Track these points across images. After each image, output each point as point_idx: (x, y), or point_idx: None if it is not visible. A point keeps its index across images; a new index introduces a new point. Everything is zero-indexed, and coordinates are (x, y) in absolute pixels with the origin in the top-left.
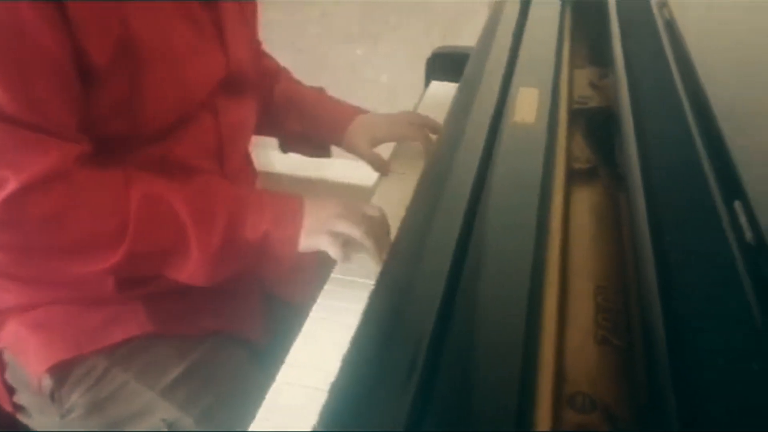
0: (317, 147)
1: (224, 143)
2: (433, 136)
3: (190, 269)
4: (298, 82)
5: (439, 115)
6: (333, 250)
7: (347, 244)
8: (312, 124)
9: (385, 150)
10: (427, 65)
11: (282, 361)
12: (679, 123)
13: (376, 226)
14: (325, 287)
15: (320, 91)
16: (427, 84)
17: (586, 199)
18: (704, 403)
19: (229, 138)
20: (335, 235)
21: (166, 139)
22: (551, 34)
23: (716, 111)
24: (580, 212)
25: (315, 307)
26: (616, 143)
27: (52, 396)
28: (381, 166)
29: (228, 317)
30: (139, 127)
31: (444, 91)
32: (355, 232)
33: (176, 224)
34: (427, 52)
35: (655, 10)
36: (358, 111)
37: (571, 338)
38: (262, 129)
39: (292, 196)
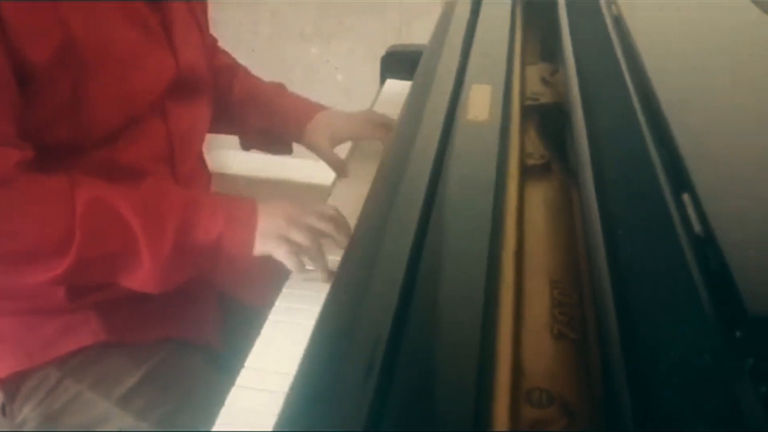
0: (278, 143)
1: (175, 147)
2: None
3: (143, 276)
4: (256, 78)
5: (395, 113)
6: (289, 263)
7: (302, 252)
8: (272, 120)
9: (342, 150)
10: (382, 63)
11: (241, 365)
12: (628, 117)
13: (337, 225)
14: (284, 290)
15: (280, 86)
16: (382, 82)
17: (539, 195)
18: (658, 393)
19: (181, 142)
20: (291, 244)
21: (113, 144)
22: (503, 31)
23: (664, 105)
24: (535, 208)
25: (273, 310)
26: (568, 138)
27: (3, 410)
28: (340, 168)
29: (183, 323)
30: (84, 131)
31: (399, 89)
32: (307, 242)
33: (125, 230)
34: (382, 51)
35: (603, 7)
36: (318, 107)
37: (528, 333)
38: (222, 127)
39: (245, 198)
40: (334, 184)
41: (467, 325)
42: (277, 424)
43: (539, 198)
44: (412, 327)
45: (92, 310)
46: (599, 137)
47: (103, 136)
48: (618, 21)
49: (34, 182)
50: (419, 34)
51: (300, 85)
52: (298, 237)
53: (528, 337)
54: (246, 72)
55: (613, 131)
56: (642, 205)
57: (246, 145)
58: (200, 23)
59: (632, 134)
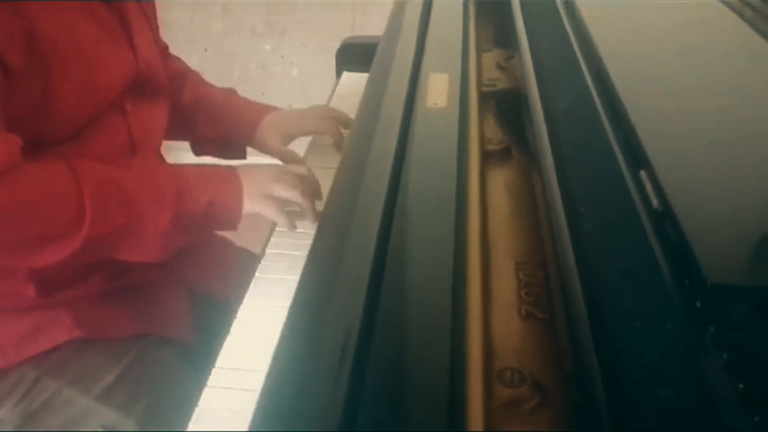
0: (229, 149)
1: (137, 144)
2: (345, 130)
3: (146, 245)
4: (207, 84)
5: (353, 106)
6: (279, 219)
7: (290, 210)
8: (222, 126)
9: (299, 147)
10: (337, 56)
11: (213, 362)
12: (583, 99)
13: (308, 186)
14: (252, 286)
15: (230, 91)
16: (338, 75)
17: (501, 179)
18: (625, 364)
19: (141, 139)
20: (276, 200)
21: (77, 141)
22: (456, 19)
23: (617, 85)
24: (497, 192)
25: (242, 308)
26: (526, 122)
27: None
28: (294, 162)
29: (154, 319)
30: (53, 127)
31: (356, 81)
32: (293, 193)
33: (129, 204)
34: (336, 44)
35: None
36: (268, 109)
37: (497, 315)
38: (173, 133)
39: (225, 167)
40: None
41: (437, 310)
42: (253, 422)
43: (501, 182)
44: (383, 313)
45: (64, 308)
46: (556, 119)
47: (70, 131)
48: (569, 5)
49: (37, 167)
50: (373, 26)
51: (255, 82)
52: (283, 192)
53: (497, 319)
54: (196, 78)
55: (569, 113)
56: (601, 184)
57: (197, 151)
58: (152, 26)
59: (588, 115)
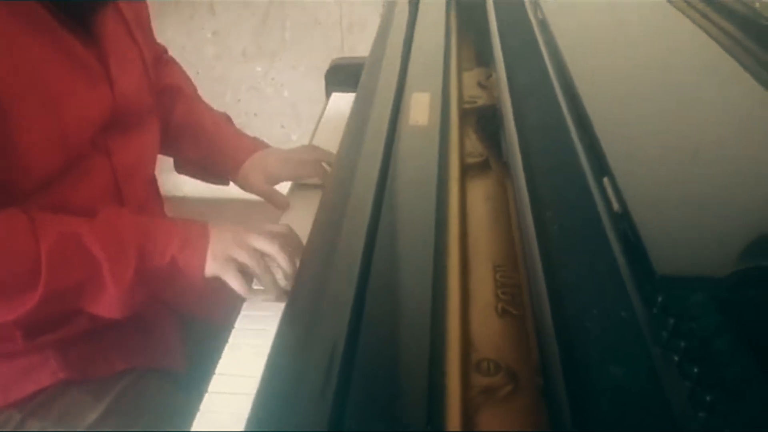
0: (212, 175)
1: (121, 183)
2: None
3: (106, 303)
4: (200, 105)
5: (343, 126)
6: (236, 284)
7: (249, 275)
8: (207, 153)
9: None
10: (327, 77)
11: (204, 388)
12: (553, 113)
13: (288, 242)
14: (243, 312)
15: (222, 120)
16: (327, 96)
17: (481, 190)
18: (588, 356)
19: (127, 177)
20: (236, 263)
21: (56, 187)
22: (438, 40)
23: (584, 100)
24: (477, 201)
25: (233, 333)
26: (501, 134)
27: None
28: (278, 202)
29: (143, 352)
30: (21, 175)
31: (345, 102)
32: (270, 247)
33: (89, 260)
34: (326, 64)
35: (529, 11)
36: (255, 147)
37: (475, 313)
38: (160, 147)
39: (197, 221)
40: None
41: (419, 309)
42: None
43: (481, 192)
44: (369, 314)
45: (50, 349)
46: (527, 132)
47: (43, 178)
48: (543, 24)
49: None
50: (361, 47)
51: (248, 103)
52: (243, 257)
53: (475, 316)
54: (191, 97)
55: (540, 126)
56: (567, 189)
57: (180, 171)
58: (138, 41)
59: (557, 128)
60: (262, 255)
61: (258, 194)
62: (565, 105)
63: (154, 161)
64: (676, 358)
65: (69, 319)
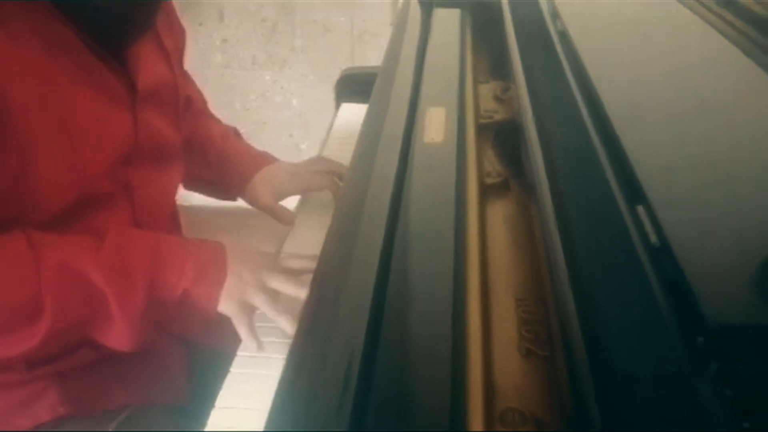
0: (220, 192)
1: (140, 219)
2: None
3: (115, 336)
4: (208, 120)
5: (352, 137)
6: (243, 332)
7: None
8: (214, 171)
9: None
10: (336, 88)
11: (206, 417)
12: (579, 132)
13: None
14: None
15: (230, 135)
16: (337, 106)
17: (500, 213)
18: (625, 402)
19: (147, 213)
20: (250, 310)
21: (70, 221)
22: (453, 51)
23: (612, 117)
24: (495, 226)
25: (236, 362)
26: (523, 155)
27: None
28: (285, 218)
29: (147, 385)
30: (34, 206)
31: (355, 112)
32: (286, 286)
33: (95, 294)
34: (336, 73)
35: (548, 22)
36: (263, 161)
37: (497, 353)
38: None
39: (213, 248)
40: (298, 208)
41: (438, 348)
42: None
43: (500, 216)
44: (382, 352)
45: (50, 381)
46: (553, 152)
47: (57, 211)
48: (563, 36)
49: None
50: (371, 55)
51: (256, 112)
52: (259, 300)
53: (497, 357)
54: (200, 111)
55: (565, 145)
56: (598, 220)
57: (188, 187)
58: (176, 74)
59: (585, 148)
60: (278, 295)
61: (265, 210)
62: (591, 123)
63: (174, 203)
64: (724, 407)
65: (72, 349)
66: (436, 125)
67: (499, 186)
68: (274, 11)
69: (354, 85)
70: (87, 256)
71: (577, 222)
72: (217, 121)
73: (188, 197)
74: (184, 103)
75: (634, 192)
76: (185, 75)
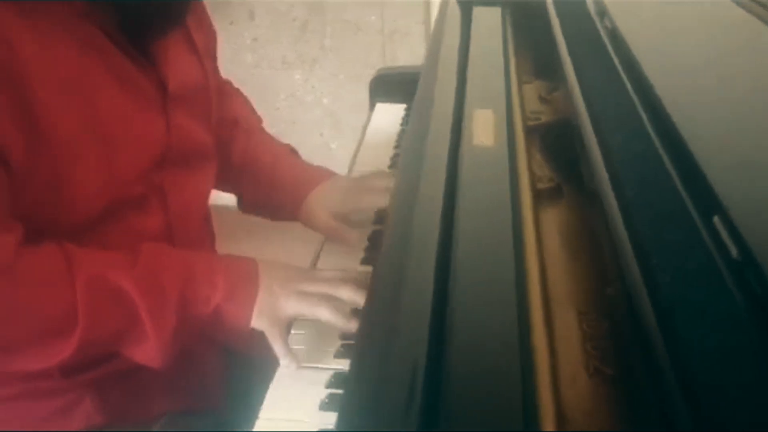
0: (276, 213)
1: (173, 223)
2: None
3: (146, 352)
4: (259, 140)
5: (388, 138)
6: (279, 348)
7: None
8: (267, 192)
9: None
10: (371, 88)
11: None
12: (641, 135)
13: (346, 285)
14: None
15: (283, 153)
16: (372, 106)
17: (553, 220)
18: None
19: (180, 217)
20: (282, 325)
21: (102, 226)
22: (497, 52)
23: (676, 120)
24: (549, 233)
25: (279, 371)
26: (582, 159)
27: None
28: (349, 239)
29: (185, 392)
30: (67, 210)
31: (391, 112)
32: (326, 288)
33: (128, 308)
34: (366, 72)
35: (596, 20)
36: (318, 179)
37: (564, 375)
38: (221, 187)
39: (245, 264)
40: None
41: (505, 370)
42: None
43: (553, 223)
44: (447, 377)
45: (86, 389)
46: (615, 157)
47: (89, 215)
48: (613, 35)
49: (30, 265)
50: (403, 54)
51: (287, 111)
52: (294, 307)
53: (565, 379)
54: (249, 131)
55: (628, 150)
56: (671, 232)
57: (244, 210)
58: (208, 72)
59: (648, 153)
60: (315, 296)
61: (323, 232)
62: (652, 124)
63: (206, 206)
64: None
65: (110, 356)
66: (484, 128)
67: (552, 191)
68: (304, 11)
69: (388, 85)
70: (122, 271)
71: (648, 235)
72: (270, 141)
73: (218, 197)
74: (216, 104)
75: (708, 198)
76: (236, 93)
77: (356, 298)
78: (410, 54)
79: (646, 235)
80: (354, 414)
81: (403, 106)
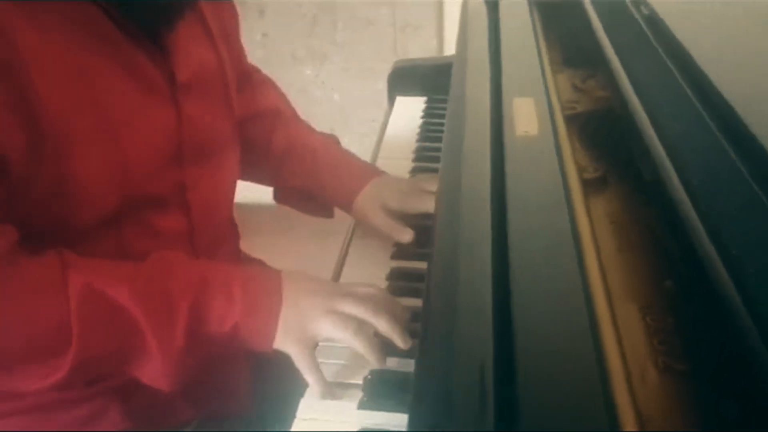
0: (317, 206)
1: (195, 224)
2: None
3: (151, 372)
4: (304, 128)
5: (409, 131)
6: (309, 373)
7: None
8: (317, 185)
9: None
10: (389, 81)
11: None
12: (699, 123)
13: (382, 305)
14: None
15: (330, 143)
16: (391, 100)
17: (602, 211)
18: None
19: (202, 217)
20: (311, 349)
21: (117, 228)
22: (528, 40)
23: (734, 104)
24: (601, 226)
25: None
26: (634, 149)
27: None
28: (402, 236)
29: (212, 399)
30: (77, 210)
31: (411, 106)
32: (358, 310)
33: (127, 323)
34: (377, 67)
35: (630, 7)
36: (371, 174)
37: (635, 372)
38: (258, 178)
39: (268, 278)
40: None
41: (580, 372)
42: None
43: (602, 214)
44: (518, 377)
45: (112, 397)
46: (676, 146)
47: (101, 215)
48: (651, 21)
49: (22, 274)
50: (414, 48)
51: (297, 107)
52: (326, 329)
53: (636, 377)
54: (292, 119)
55: (687, 137)
56: (744, 220)
57: (280, 200)
58: (222, 56)
59: (709, 139)
60: (348, 318)
61: (379, 228)
62: (708, 112)
63: (232, 199)
64: None
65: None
66: (527, 116)
67: (597, 181)
68: (314, 5)
69: (407, 78)
70: (122, 283)
71: (723, 226)
72: (314, 130)
73: (244, 196)
74: (237, 86)
75: None
76: (270, 82)
77: (393, 333)
78: (422, 48)
79: (721, 225)
80: (427, 416)
81: (423, 98)
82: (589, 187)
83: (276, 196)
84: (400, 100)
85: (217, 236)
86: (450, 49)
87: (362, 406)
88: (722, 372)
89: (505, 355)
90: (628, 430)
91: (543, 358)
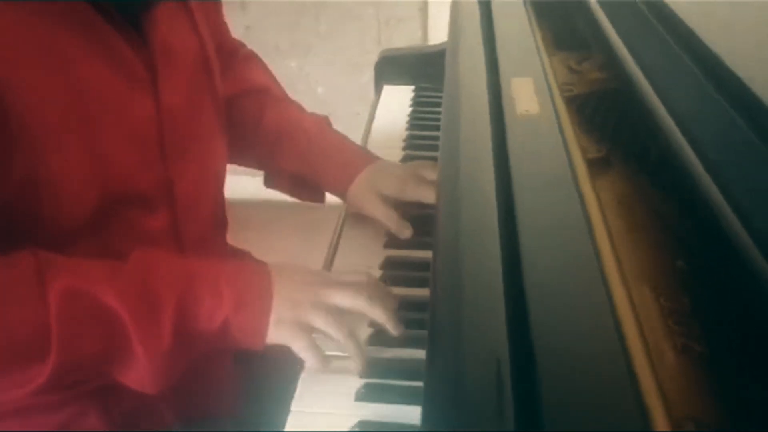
0: (309, 190)
1: (182, 218)
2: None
3: (137, 375)
4: (294, 108)
5: (396, 119)
6: (308, 356)
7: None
8: (308, 167)
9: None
10: (376, 70)
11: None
12: (706, 96)
13: (374, 292)
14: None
15: (323, 125)
16: (377, 89)
17: (607, 192)
18: None
19: (189, 210)
20: (309, 333)
21: (99, 229)
22: (522, 21)
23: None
24: (608, 207)
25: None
26: (641, 126)
27: None
28: (400, 227)
29: (196, 400)
30: (55, 209)
31: (398, 95)
32: (354, 302)
33: (112, 323)
34: (362, 59)
35: None
36: (366, 159)
37: (654, 354)
38: (246, 161)
39: (256, 270)
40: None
41: (601, 354)
42: None
43: (608, 194)
44: (538, 371)
45: (92, 399)
46: (689, 123)
47: (82, 214)
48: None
49: None
50: (399, 41)
51: None
52: (320, 321)
53: (655, 359)
54: (282, 98)
55: (695, 109)
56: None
57: (269, 185)
58: (204, 39)
59: (722, 116)
60: (342, 314)
61: (376, 216)
62: (716, 90)
63: (221, 191)
64: None
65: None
66: (527, 96)
67: (600, 162)
68: None
69: (394, 67)
70: (104, 282)
71: (744, 201)
72: (305, 110)
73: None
74: (223, 64)
75: None
76: (256, 57)
77: (387, 321)
78: (407, 40)
79: (740, 199)
80: (442, 415)
81: (411, 87)
82: (593, 167)
83: (266, 181)
84: (388, 90)
85: (205, 231)
86: (434, 41)
87: (360, 397)
88: (743, 352)
89: (522, 347)
90: (660, 430)
91: (563, 351)
